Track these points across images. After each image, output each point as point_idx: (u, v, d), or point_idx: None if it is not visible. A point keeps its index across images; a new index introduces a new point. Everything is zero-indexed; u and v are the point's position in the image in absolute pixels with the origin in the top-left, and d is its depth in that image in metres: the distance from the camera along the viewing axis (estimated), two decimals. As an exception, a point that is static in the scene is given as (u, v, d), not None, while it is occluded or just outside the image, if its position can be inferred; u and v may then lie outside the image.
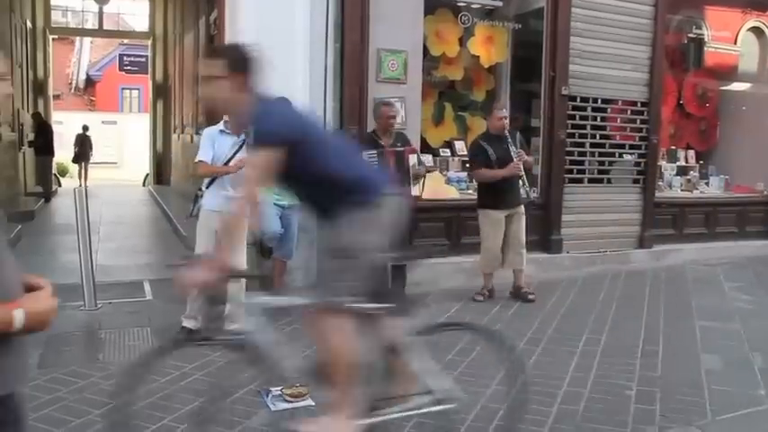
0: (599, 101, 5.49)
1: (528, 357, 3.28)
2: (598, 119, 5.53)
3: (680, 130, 6.63)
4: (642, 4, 5.50)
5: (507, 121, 4.32)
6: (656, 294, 4.71)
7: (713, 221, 6.11)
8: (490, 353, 2.47)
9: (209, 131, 3.59)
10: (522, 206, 4.38)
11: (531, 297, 4.36)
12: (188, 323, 3.44)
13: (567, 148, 5.40)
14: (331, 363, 1.90)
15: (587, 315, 4.07)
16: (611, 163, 5.65)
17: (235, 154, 3.42)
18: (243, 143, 3.45)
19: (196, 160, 3.57)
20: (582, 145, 5.51)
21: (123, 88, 21.55)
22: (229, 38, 4.66)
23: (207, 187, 3.44)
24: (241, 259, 3.51)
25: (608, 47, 5.41)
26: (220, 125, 3.57)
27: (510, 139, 4.26)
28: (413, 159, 3.98)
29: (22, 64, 9.82)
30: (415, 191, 4.00)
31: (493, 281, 4.46)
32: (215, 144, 3.47)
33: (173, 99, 10.92)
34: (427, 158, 4.97)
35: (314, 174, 1.92)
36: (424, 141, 5.13)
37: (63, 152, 14.02)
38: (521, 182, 4.22)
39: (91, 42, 21.29)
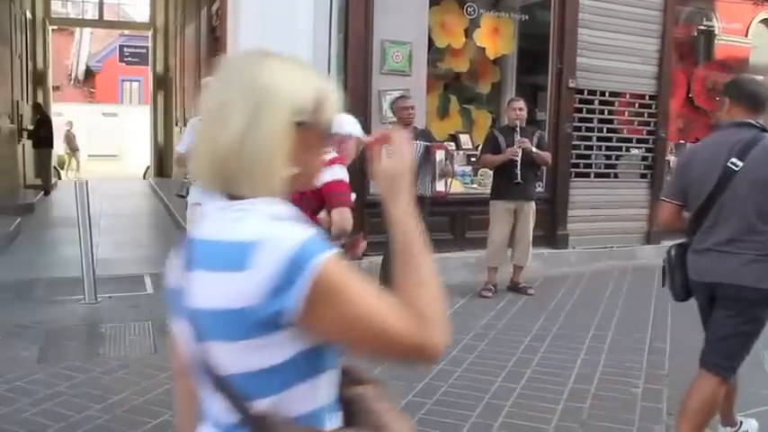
0: (606, 94, 5.43)
1: (533, 354, 3.24)
2: (605, 112, 5.47)
3: (689, 124, 6.54)
4: (651, -4, 5.43)
5: (522, 113, 4.29)
6: (664, 291, 4.64)
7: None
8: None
9: (192, 121, 3.55)
10: (533, 203, 4.36)
11: (530, 291, 4.35)
12: None
13: (574, 142, 5.35)
14: None
15: (593, 311, 4.02)
16: (618, 157, 5.58)
17: None
18: None
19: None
20: (589, 139, 5.45)
21: (123, 80, 21.43)
22: (231, 29, 4.58)
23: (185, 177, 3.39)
24: None
25: (616, 39, 5.34)
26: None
27: (518, 130, 4.22)
28: (440, 155, 3.98)
29: (22, 55, 9.74)
30: (440, 186, 4.01)
31: (497, 276, 4.42)
32: (194, 134, 3.40)
33: (174, 91, 10.84)
34: (459, 157, 5.03)
35: None
36: (428, 134, 5.07)
37: (59, 143, 14.04)
38: (517, 168, 4.18)
39: (91, 33, 21.15)
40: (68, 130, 15.05)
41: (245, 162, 0.73)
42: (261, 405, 0.72)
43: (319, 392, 0.75)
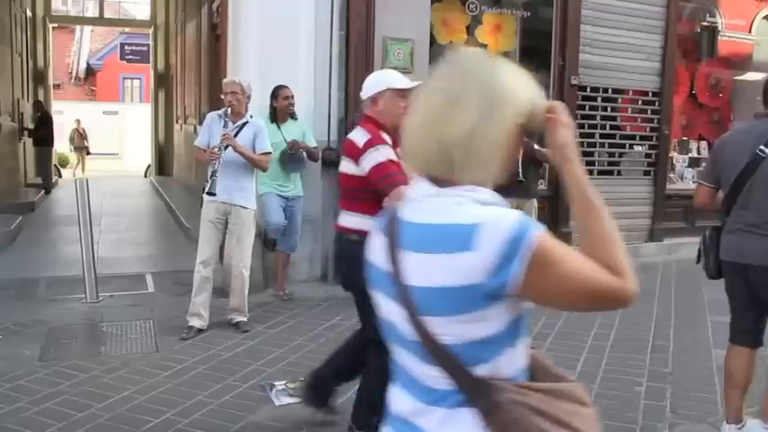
0: (609, 91, 5.41)
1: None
2: (608, 109, 5.45)
3: (692, 121, 6.51)
4: (654, -8, 5.40)
5: None
6: (667, 288, 4.65)
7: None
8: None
9: (209, 115, 3.52)
10: (535, 200, 4.34)
11: None
12: (194, 321, 3.36)
13: (577, 139, 5.30)
14: None
15: (596, 309, 4.01)
16: (621, 154, 5.56)
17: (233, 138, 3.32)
18: (239, 129, 3.36)
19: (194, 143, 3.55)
20: (591, 136, 5.42)
21: (124, 78, 21.42)
22: (232, 26, 4.57)
23: (211, 175, 3.36)
24: (247, 253, 3.45)
25: (619, 35, 5.31)
26: (220, 110, 3.49)
27: None
28: None
29: (22, 53, 9.73)
30: None
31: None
32: (211, 129, 3.39)
33: (175, 89, 10.82)
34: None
35: None
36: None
37: (62, 142, 14.03)
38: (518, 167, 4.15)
39: (91, 31, 21.14)
40: (75, 129, 14.95)
41: (473, 152, 0.82)
42: (478, 371, 0.81)
43: (518, 357, 0.85)
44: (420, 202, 0.84)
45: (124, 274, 4.62)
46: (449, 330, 0.80)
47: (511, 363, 0.84)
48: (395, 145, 2.21)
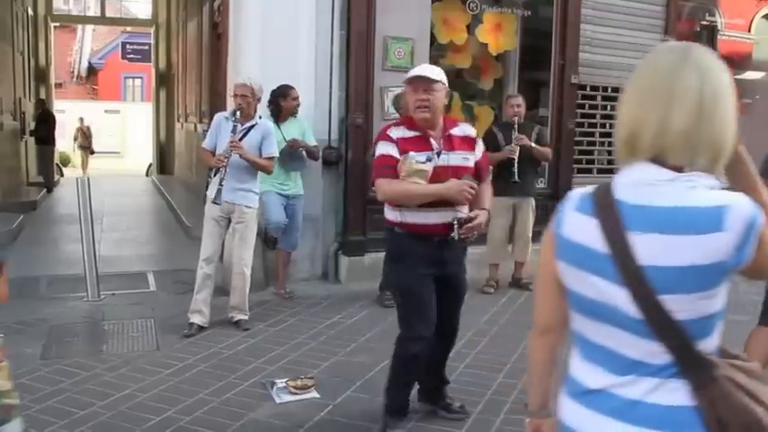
0: (609, 89, 5.40)
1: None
2: (608, 108, 5.44)
3: (691, 120, 6.51)
4: (654, -9, 5.40)
5: (520, 110, 4.27)
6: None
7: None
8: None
9: (217, 117, 3.52)
10: (532, 199, 4.34)
11: (532, 287, 4.35)
12: (196, 318, 3.37)
13: (576, 138, 5.32)
14: None
15: (596, 308, 4.01)
16: (620, 153, 5.54)
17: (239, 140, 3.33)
18: (247, 131, 3.38)
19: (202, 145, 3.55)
20: (591, 135, 5.42)
21: (126, 77, 21.42)
22: (233, 25, 4.58)
23: (214, 175, 3.36)
24: (248, 252, 3.46)
25: (619, 34, 5.31)
26: (226, 112, 3.49)
27: (516, 127, 4.20)
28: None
29: (24, 52, 9.75)
30: None
31: (499, 272, 4.42)
32: (218, 131, 3.40)
33: (176, 88, 10.83)
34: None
35: None
36: (430, 131, 5.05)
37: (63, 142, 14.01)
38: (514, 167, 4.14)
39: (93, 30, 21.14)
40: (78, 128, 14.93)
41: (730, 145, 0.90)
42: (700, 345, 0.87)
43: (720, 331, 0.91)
44: (654, 186, 0.88)
45: (125, 273, 4.64)
46: (687, 307, 0.85)
47: (718, 337, 0.90)
48: (425, 137, 2.27)
